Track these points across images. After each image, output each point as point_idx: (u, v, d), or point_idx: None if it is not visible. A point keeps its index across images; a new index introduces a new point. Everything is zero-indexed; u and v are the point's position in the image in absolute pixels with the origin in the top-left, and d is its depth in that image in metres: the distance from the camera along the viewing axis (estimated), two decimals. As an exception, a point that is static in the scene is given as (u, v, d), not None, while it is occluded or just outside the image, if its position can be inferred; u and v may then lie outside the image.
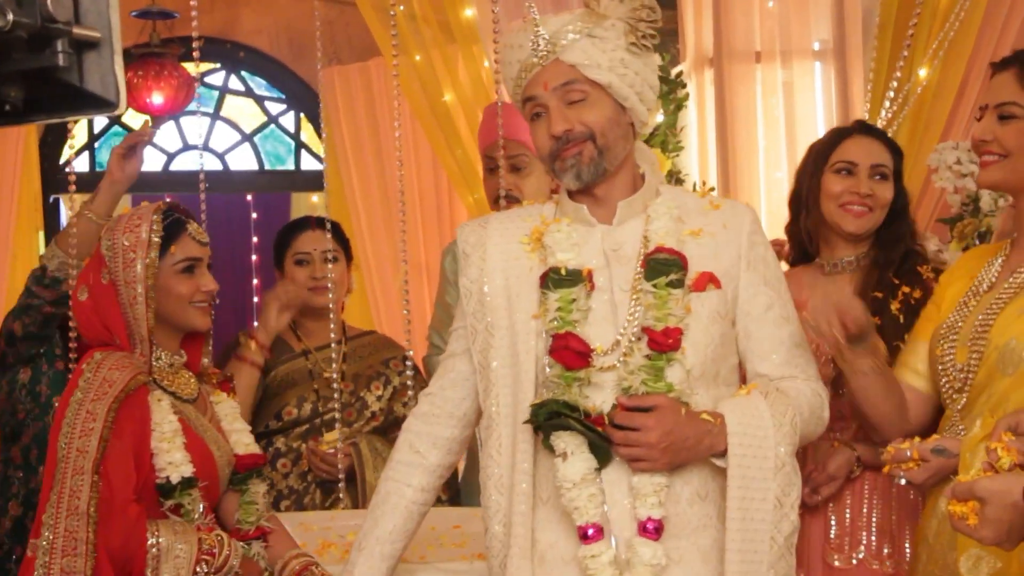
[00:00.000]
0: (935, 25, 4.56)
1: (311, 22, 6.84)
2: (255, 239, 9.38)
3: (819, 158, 3.20)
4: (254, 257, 9.38)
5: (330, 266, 3.91)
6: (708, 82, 4.26)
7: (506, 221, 2.66)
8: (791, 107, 4.18)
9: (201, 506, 2.74)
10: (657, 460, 2.39)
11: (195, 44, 3.77)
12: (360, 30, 6.17)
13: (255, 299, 9.49)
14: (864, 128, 3.28)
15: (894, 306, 3.05)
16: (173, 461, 2.70)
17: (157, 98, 6.21)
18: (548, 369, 2.45)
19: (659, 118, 4.16)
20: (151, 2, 6.27)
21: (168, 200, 2.93)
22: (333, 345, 3.76)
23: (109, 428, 2.67)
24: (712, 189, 3.52)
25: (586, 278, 2.46)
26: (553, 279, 2.46)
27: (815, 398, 2.56)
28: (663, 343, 2.42)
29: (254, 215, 9.21)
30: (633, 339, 2.45)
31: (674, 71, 4.29)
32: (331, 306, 3.84)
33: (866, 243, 3.16)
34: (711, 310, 2.48)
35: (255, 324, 3.96)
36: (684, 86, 4.25)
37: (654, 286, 2.44)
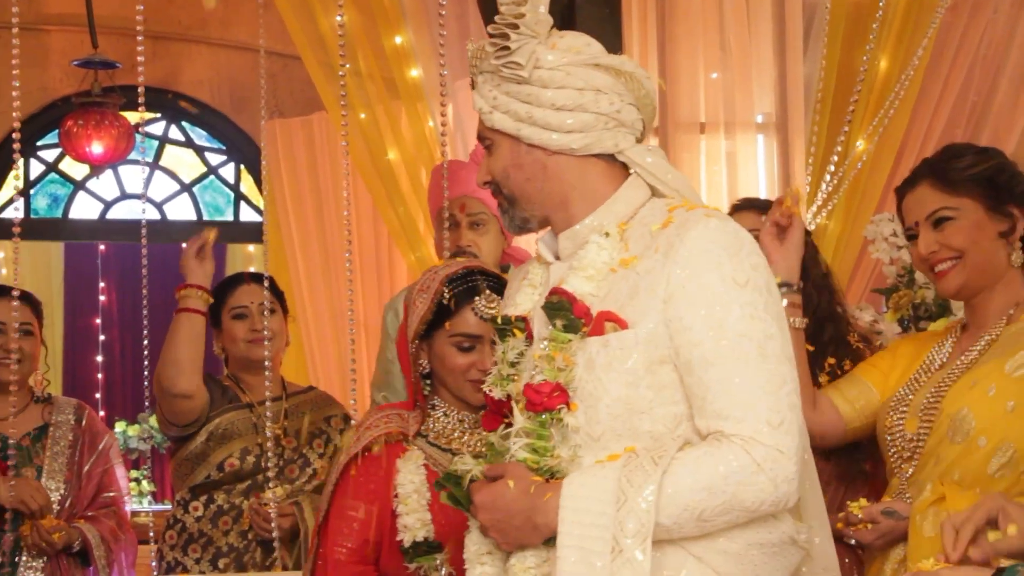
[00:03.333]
0: (872, 99, 4.66)
1: (253, 75, 6.89)
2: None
3: None
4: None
5: (267, 319, 3.89)
6: (652, 150, 4.32)
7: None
8: (734, 177, 4.24)
9: (445, 571, 2.64)
10: (498, 540, 2.16)
11: (140, 93, 3.76)
12: (303, 84, 6.19)
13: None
14: (736, 207, 3.38)
15: (822, 378, 3.07)
16: (408, 524, 2.63)
17: (97, 147, 6.17)
18: None
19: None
20: (93, 51, 6.24)
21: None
22: (268, 394, 3.76)
23: (335, 485, 2.68)
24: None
25: (524, 327, 2.25)
26: (498, 330, 2.30)
27: (724, 465, 2.01)
28: (536, 401, 2.14)
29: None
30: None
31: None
32: (267, 358, 3.82)
33: None
34: (617, 355, 2.09)
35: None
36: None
37: (549, 335, 2.16)
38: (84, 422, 4.13)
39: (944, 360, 2.82)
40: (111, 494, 4.11)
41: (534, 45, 2.20)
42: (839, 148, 4.27)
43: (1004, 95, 5.08)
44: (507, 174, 2.26)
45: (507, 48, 2.20)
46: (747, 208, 3.33)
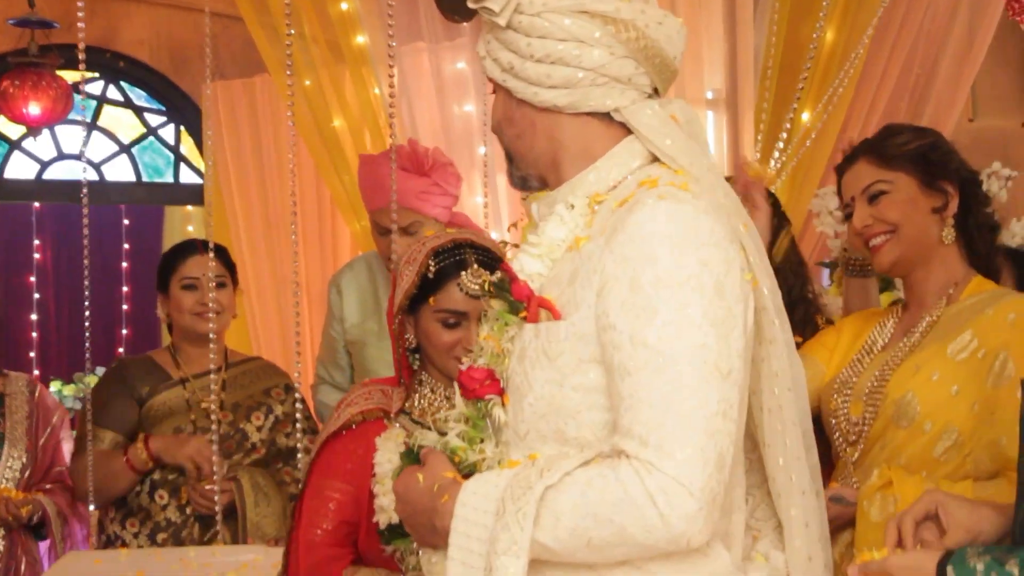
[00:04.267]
0: (818, 72, 4.67)
1: (193, 35, 6.81)
2: (126, 246, 9.25)
3: None
4: (124, 264, 9.25)
5: (214, 293, 3.85)
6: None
7: None
8: (684, 154, 4.23)
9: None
10: (411, 535, 2.02)
11: (81, 53, 3.68)
12: (244, 45, 6.10)
13: (124, 306, 9.36)
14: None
15: None
16: (384, 505, 2.39)
17: (34, 108, 6.05)
18: None
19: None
20: (30, 10, 6.12)
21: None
22: (212, 376, 3.72)
23: (312, 463, 2.61)
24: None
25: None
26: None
27: (613, 491, 1.74)
28: (469, 387, 1.98)
29: (126, 221, 9.07)
30: None
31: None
32: (212, 335, 3.78)
33: None
34: (546, 348, 1.87)
35: (149, 442, 3.80)
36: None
37: (492, 315, 2.00)
38: (36, 395, 4.11)
39: (886, 341, 2.85)
40: (60, 469, 4.08)
41: None
42: (788, 124, 4.29)
43: (947, 71, 5.12)
44: (500, 128, 2.06)
45: None
46: None
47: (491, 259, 2.62)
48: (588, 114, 1.97)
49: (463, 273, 2.59)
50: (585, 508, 1.76)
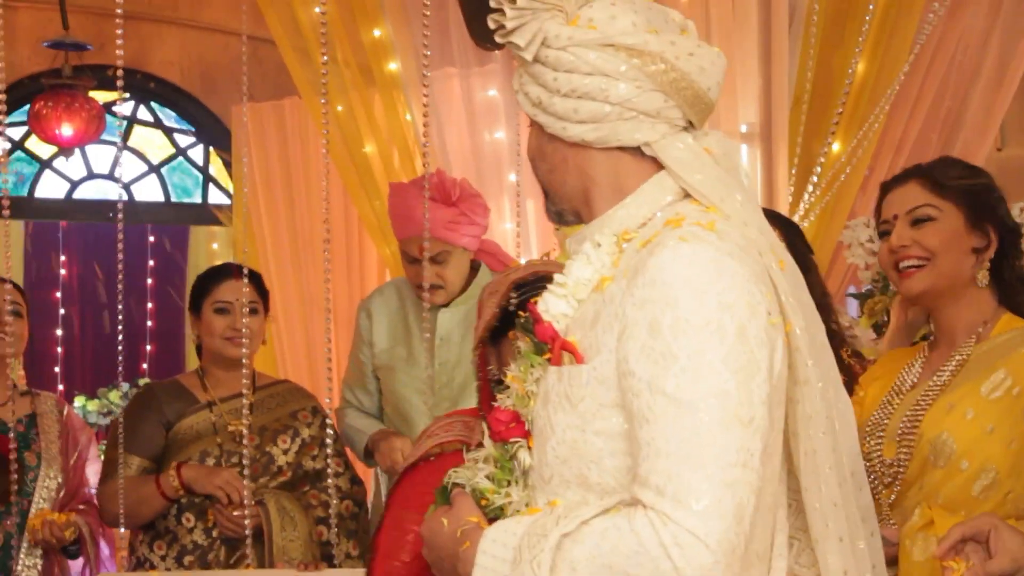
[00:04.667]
0: (848, 103, 4.67)
1: (223, 56, 6.85)
2: (151, 263, 9.29)
3: None
4: (149, 281, 9.29)
5: (247, 319, 3.86)
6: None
7: None
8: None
9: None
10: None
11: (118, 73, 3.70)
12: (274, 67, 6.14)
13: (148, 323, 9.39)
14: None
15: None
16: None
17: (67, 130, 6.10)
18: None
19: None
20: (64, 32, 6.17)
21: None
22: (245, 401, 3.73)
23: (390, 495, 2.59)
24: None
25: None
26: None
27: (629, 542, 1.70)
28: (496, 430, 1.96)
29: (151, 239, 9.11)
30: None
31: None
32: (244, 360, 3.79)
33: None
34: (568, 392, 1.84)
35: (181, 470, 3.82)
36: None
37: (520, 356, 1.97)
38: (65, 415, 4.13)
39: (915, 380, 2.82)
40: (88, 490, 4.09)
41: (543, 20, 1.91)
42: (823, 157, 4.29)
43: (978, 102, 5.11)
44: (535, 163, 2.02)
45: (503, 26, 1.93)
46: None
47: None
48: (619, 149, 1.92)
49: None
50: (600, 559, 1.71)
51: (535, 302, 1.96)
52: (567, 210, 2.02)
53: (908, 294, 2.81)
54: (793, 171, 4.36)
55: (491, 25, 1.95)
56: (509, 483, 1.93)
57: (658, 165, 1.93)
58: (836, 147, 4.63)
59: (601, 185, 1.95)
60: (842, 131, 4.65)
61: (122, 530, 3.88)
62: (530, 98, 1.96)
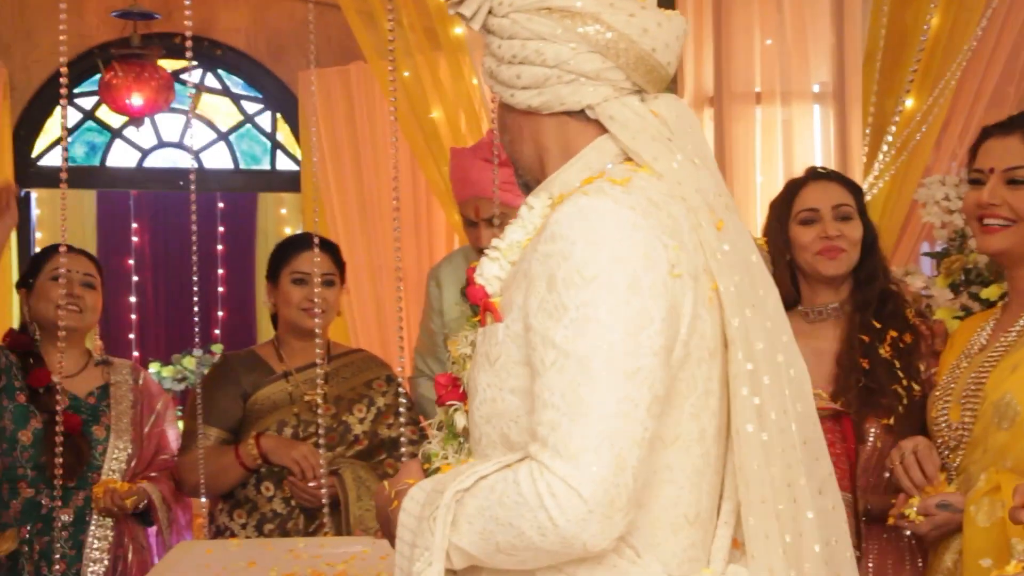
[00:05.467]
0: (923, 58, 4.58)
1: (289, 22, 6.86)
2: (221, 228, 9.36)
3: (781, 212, 3.24)
4: (219, 247, 9.36)
5: (320, 289, 3.87)
6: (708, 119, 4.26)
7: None
8: (789, 147, 4.18)
9: None
10: None
11: (187, 43, 3.67)
12: (340, 32, 6.13)
13: (220, 288, 9.48)
14: (817, 174, 3.30)
15: (883, 350, 3.06)
16: None
17: (137, 99, 6.14)
18: None
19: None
20: (132, 2, 6.20)
21: None
22: (319, 371, 3.75)
23: None
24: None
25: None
26: None
27: (511, 492, 1.71)
28: (439, 394, 2.00)
29: (220, 204, 9.17)
30: None
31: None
32: (318, 331, 3.80)
33: (846, 287, 3.19)
34: (487, 351, 1.86)
35: (260, 441, 3.87)
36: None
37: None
38: (141, 382, 4.16)
39: (984, 343, 2.78)
40: (166, 456, 4.14)
41: None
42: (897, 116, 4.22)
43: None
44: (500, 136, 2.04)
45: None
46: (830, 179, 3.28)
47: None
48: (565, 114, 1.92)
49: None
50: (489, 511, 1.73)
51: (474, 267, 1.96)
52: (531, 180, 2.01)
53: (985, 250, 2.78)
54: (867, 131, 4.29)
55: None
56: (446, 448, 1.96)
57: (603, 128, 1.91)
58: (910, 104, 4.55)
59: (552, 151, 1.95)
60: (916, 88, 4.57)
61: (203, 500, 3.91)
62: (485, 69, 1.97)
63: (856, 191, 3.27)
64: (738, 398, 1.82)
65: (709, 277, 1.82)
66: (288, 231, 8.82)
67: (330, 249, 3.96)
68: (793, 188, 3.27)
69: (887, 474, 2.86)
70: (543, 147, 1.96)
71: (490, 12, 1.93)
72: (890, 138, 4.17)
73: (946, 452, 2.74)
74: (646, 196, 1.81)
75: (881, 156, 4.21)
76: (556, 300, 1.73)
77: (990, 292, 3.86)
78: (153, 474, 4.08)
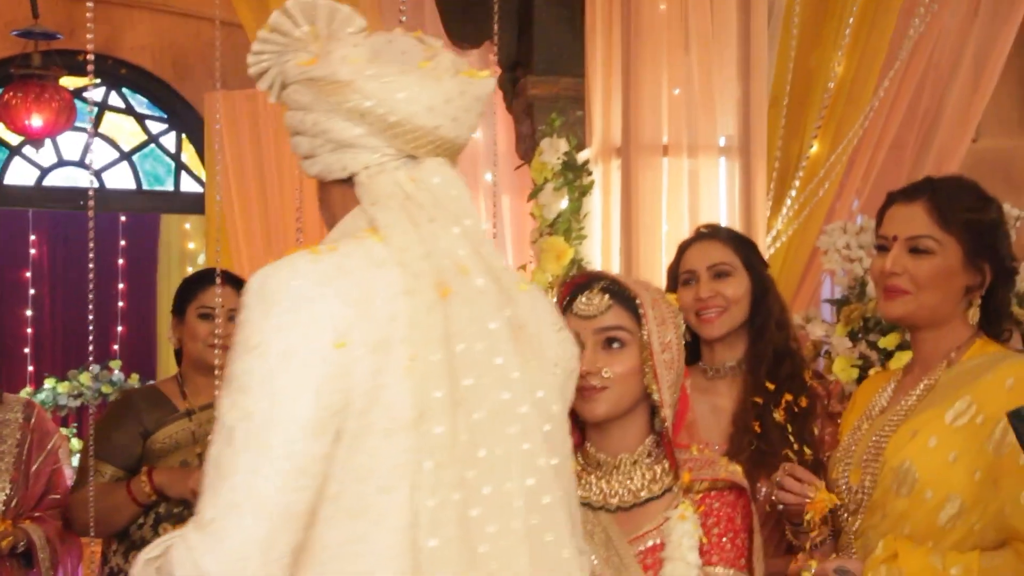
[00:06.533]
0: (828, 104, 4.64)
1: (195, 41, 6.77)
2: (122, 243, 9.22)
3: (673, 273, 3.26)
4: (120, 261, 9.23)
5: (228, 324, 3.79)
6: (615, 169, 4.28)
7: None
8: (695, 199, 4.21)
9: None
10: None
11: (89, 59, 3.60)
12: (247, 53, 6.07)
13: (120, 303, 9.34)
14: (700, 234, 3.31)
15: (777, 414, 3.07)
16: None
17: (36, 120, 6.03)
18: None
19: (563, 204, 4.15)
20: (34, 21, 6.08)
21: None
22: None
23: None
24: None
25: None
26: None
27: (164, 559, 1.74)
28: None
29: (123, 218, 9.04)
30: None
31: (580, 157, 4.29)
32: (218, 369, 3.74)
33: (741, 344, 3.19)
34: None
35: (152, 475, 3.74)
36: (590, 173, 4.26)
37: None
38: (33, 420, 4.07)
39: (884, 405, 2.79)
40: (57, 496, 4.05)
41: (285, 61, 1.92)
42: (804, 162, 4.29)
43: (954, 106, 5.09)
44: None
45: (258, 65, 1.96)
46: (710, 237, 3.29)
47: (620, 290, 2.53)
48: (341, 182, 1.92)
49: (580, 296, 2.54)
50: None
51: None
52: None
53: (886, 316, 2.80)
54: (772, 184, 4.34)
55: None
56: None
57: None
58: (815, 150, 4.61)
59: (336, 219, 1.95)
60: (822, 133, 4.63)
61: (91, 539, 3.82)
62: (292, 122, 1.96)
63: (742, 245, 3.26)
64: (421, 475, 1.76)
65: (408, 346, 1.78)
66: (192, 246, 8.70)
67: (237, 284, 3.90)
68: (680, 250, 3.29)
69: (787, 534, 2.87)
70: (331, 214, 1.97)
71: (282, 85, 1.94)
72: (797, 183, 4.23)
73: (846, 516, 2.75)
74: (339, 264, 1.80)
75: (787, 205, 4.26)
76: (229, 368, 1.76)
77: (888, 341, 3.90)
78: (37, 514, 3.99)
